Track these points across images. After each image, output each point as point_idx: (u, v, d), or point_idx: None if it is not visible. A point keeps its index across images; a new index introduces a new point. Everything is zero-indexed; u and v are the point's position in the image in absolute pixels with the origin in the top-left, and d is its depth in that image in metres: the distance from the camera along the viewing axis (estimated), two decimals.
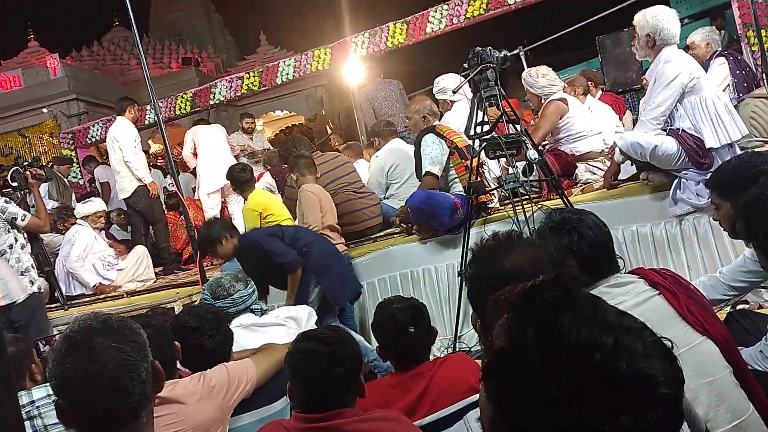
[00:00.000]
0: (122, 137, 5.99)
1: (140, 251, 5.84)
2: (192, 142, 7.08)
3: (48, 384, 2.29)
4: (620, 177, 4.11)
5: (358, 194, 4.87)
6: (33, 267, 4.64)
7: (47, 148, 12.20)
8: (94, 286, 5.52)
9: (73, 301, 5.35)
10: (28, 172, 4.67)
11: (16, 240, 4.49)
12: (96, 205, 5.80)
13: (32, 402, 2.21)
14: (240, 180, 5.02)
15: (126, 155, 5.94)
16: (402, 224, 4.59)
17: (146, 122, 8.74)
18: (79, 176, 9.26)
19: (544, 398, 0.71)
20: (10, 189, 4.64)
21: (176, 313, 3.33)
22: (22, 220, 4.47)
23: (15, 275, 4.27)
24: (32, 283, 4.48)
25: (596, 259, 1.78)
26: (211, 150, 6.89)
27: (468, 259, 1.47)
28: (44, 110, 12.50)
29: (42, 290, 4.71)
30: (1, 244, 4.41)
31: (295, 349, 1.84)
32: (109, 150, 6.16)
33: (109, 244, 6.16)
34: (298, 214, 4.43)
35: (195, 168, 7.15)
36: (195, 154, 7.06)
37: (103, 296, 5.47)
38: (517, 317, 0.80)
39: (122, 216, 7.49)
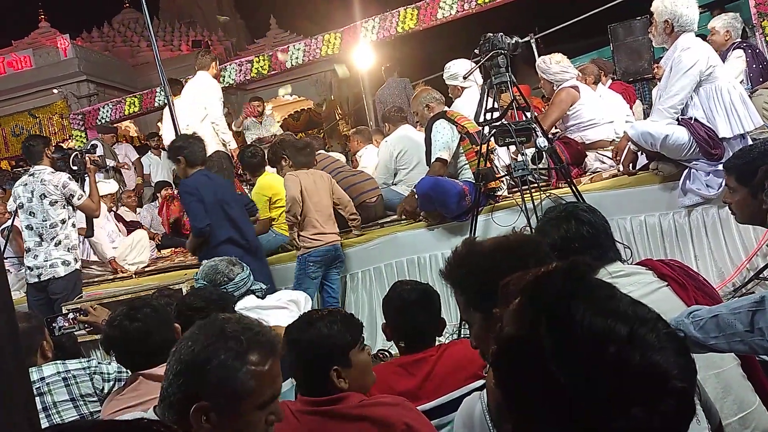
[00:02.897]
0: (210, 95, 5.53)
1: (139, 236, 5.89)
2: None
3: (58, 362, 2.33)
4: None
5: (350, 172, 5.04)
6: (79, 246, 4.79)
7: (57, 128, 12.26)
8: (108, 261, 5.59)
9: (84, 281, 5.39)
10: (87, 158, 4.79)
11: (69, 217, 4.62)
12: (110, 187, 5.89)
13: (42, 378, 2.24)
14: (250, 165, 4.99)
15: (213, 114, 5.52)
16: (407, 214, 4.56)
17: (156, 105, 8.77)
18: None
19: (556, 388, 0.70)
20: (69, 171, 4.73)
21: (183, 294, 3.35)
22: (78, 200, 4.58)
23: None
24: (76, 260, 4.66)
25: (598, 241, 1.79)
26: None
27: (450, 262, 1.47)
28: (55, 91, 12.55)
29: (81, 267, 4.86)
30: (54, 217, 4.52)
31: (289, 328, 1.88)
32: (187, 108, 5.57)
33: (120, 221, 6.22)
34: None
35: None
36: None
37: (112, 276, 5.51)
38: (529, 304, 0.78)
39: (132, 198, 7.54)
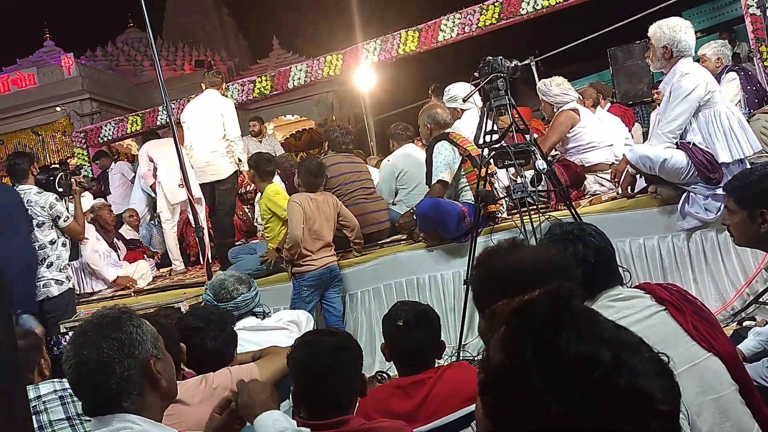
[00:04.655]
0: (230, 112, 5.46)
1: (144, 267, 5.93)
2: (146, 159, 6.80)
3: (55, 380, 2.32)
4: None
5: (369, 199, 4.87)
6: (70, 264, 4.82)
7: (60, 146, 12.32)
8: (113, 281, 5.67)
9: (82, 299, 5.39)
10: (73, 179, 4.76)
11: (58, 237, 4.60)
12: (87, 201, 5.87)
13: (39, 397, 2.23)
14: (260, 168, 4.87)
15: (232, 133, 5.44)
16: (402, 229, 4.58)
17: (158, 123, 8.83)
18: (90, 173, 9.34)
19: (544, 416, 0.71)
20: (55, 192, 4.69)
21: (182, 313, 3.34)
22: (64, 222, 4.56)
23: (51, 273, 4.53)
24: (69, 279, 4.66)
25: (603, 267, 1.79)
26: (169, 163, 6.22)
27: (473, 266, 1.50)
28: (58, 109, 12.64)
29: (74, 286, 4.88)
30: (42, 238, 4.51)
31: (298, 344, 1.87)
32: (201, 123, 5.43)
33: (109, 242, 6.21)
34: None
35: (152, 185, 6.87)
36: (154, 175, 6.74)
37: (110, 294, 5.52)
38: (515, 332, 0.79)
39: (134, 217, 7.54)
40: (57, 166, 10.36)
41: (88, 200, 6.06)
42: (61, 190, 4.67)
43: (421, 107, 4.84)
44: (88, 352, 1.46)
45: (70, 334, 2.56)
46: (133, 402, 1.47)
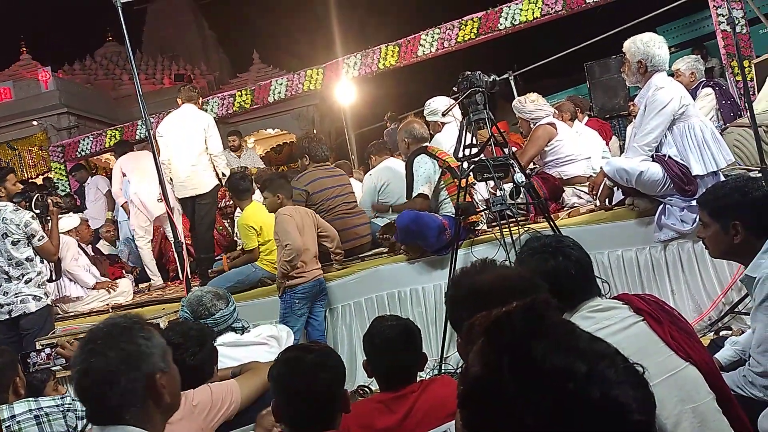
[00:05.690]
0: (213, 128, 5.45)
1: (126, 285, 5.89)
2: (119, 175, 6.68)
3: (30, 399, 2.27)
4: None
5: (351, 213, 4.85)
6: (50, 280, 4.80)
7: (37, 161, 12.16)
8: (93, 287, 5.68)
9: (57, 316, 5.30)
10: (50, 200, 4.74)
11: (36, 254, 4.55)
12: (72, 221, 5.88)
13: (13, 416, 2.19)
14: (238, 188, 4.89)
15: (215, 148, 5.42)
16: (384, 237, 4.58)
17: (137, 137, 8.77)
18: (68, 188, 9.24)
19: (520, 427, 0.72)
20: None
21: (161, 329, 3.30)
22: (38, 240, 4.51)
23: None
24: (47, 295, 4.62)
25: (584, 278, 1.81)
26: (144, 178, 6.23)
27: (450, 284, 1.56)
28: (34, 123, 12.47)
29: (51, 302, 4.83)
30: (18, 255, 4.45)
31: (279, 360, 1.85)
32: (179, 138, 5.37)
33: (93, 259, 6.14)
34: (274, 237, 4.26)
35: (124, 205, 6.82)
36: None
37: (88, 311, 5.44)
38: (492, 344, 0.80)
39: (110, 232, 7.45)
40: (42, 184, 10.20)
41: (73, 220, 6.00)
42: (37, 211, 4.63)
43: (411, 117, 4.88)
44: (95, 360, 1.45)
45: (47, 351, 2.51)
46: (133, 415, 1.45)
